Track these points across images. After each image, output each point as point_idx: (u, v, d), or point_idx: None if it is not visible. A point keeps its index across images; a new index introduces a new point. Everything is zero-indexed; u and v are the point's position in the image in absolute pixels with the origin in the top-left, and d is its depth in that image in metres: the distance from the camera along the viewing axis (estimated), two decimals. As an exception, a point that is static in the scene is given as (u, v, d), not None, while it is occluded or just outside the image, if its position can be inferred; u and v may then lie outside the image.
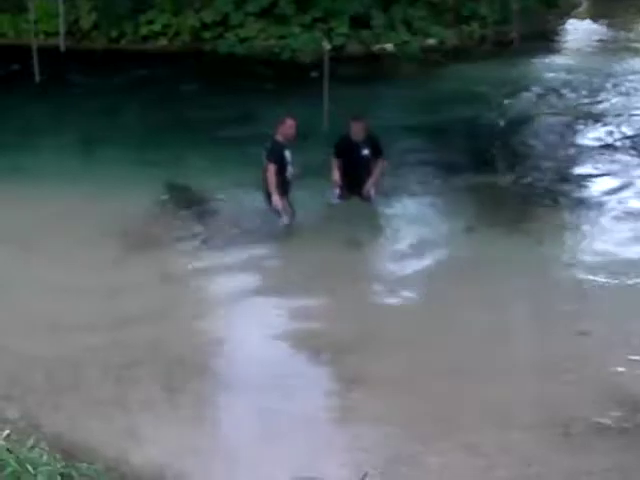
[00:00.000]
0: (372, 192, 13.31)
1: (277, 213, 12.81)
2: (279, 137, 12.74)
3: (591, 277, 11.30)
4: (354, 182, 13.14)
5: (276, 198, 12.58)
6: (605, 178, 15.20)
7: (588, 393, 8.66)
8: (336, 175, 13.02)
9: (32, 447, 7.25)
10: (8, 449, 7.06)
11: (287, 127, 12.69)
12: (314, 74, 20.82)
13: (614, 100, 20.69)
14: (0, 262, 11.61)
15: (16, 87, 21.56)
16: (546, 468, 7.60)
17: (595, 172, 15.56)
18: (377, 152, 13.14)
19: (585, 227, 13.21)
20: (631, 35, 29.20)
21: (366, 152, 13.03)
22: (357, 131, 12.97)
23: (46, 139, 17.21)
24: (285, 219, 12.80)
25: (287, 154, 12.73)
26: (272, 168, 12.59)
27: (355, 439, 8.14)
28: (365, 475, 7.35)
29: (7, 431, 7.47)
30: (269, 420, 8.38)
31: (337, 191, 13.31)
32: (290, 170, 12.84)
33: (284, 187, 12.86)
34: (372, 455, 7.86)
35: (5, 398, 8.56)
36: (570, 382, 8.84)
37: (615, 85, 21.96)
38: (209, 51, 26.04)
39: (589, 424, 8.12)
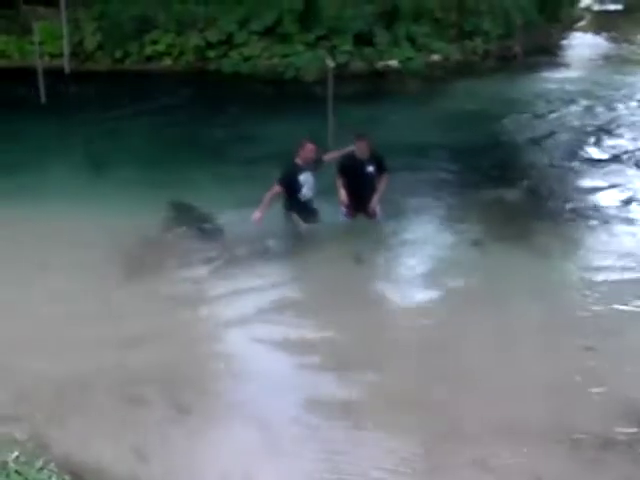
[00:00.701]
0: (378, 209, 13.30)
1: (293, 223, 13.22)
2: (298, 160, 12.89)
3: (598, 291, 11.27)
4: (360, 200, 13.12)
5: (256, 213, 12.71)
6: (613, 191, 15.18)
7: (596, 407, 8.65)
8: (343, 194, 13.00)
9: (41, 468, 7.28)
10: (17, 471, 7.09)
11: (307, 151, 12.84)
12: (319, 92, 20.87)
13: (619, 113, 20.75)
14: (6, 283, 11.61)
15: (22, 108, 21.61)
16: (556, 483, 7.62)
17: (602, 185, 15.53)
18: (381, 169, 13.14)
19: (593, 241, 13.22)
20: (633, 47, 29.29)
21: (371, 170, 13.01)
22: (361, 149, 12.94)
23: (52, 160, 17.23)
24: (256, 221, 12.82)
25: (302, 178, 12.88)
26: (274, 188, 12.82)
27: (364, 457, 8.12)
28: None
29: (16, 453, 7.48)
30: (277, 437, 8.38)
31: (343, 209, 13.30)
32: (304, 192, 13.00)
33: (299, 208, 13.11)
34: (381, 474, 7.85)
35: (14, 419, 8.54)
36: (578, 396, 8.83)
37: (619, 98, 22.05)
38: (213, 70, 26.19)
39: (598, 438, 8.11)
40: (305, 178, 12.91)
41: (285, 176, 12.89)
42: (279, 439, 8.37)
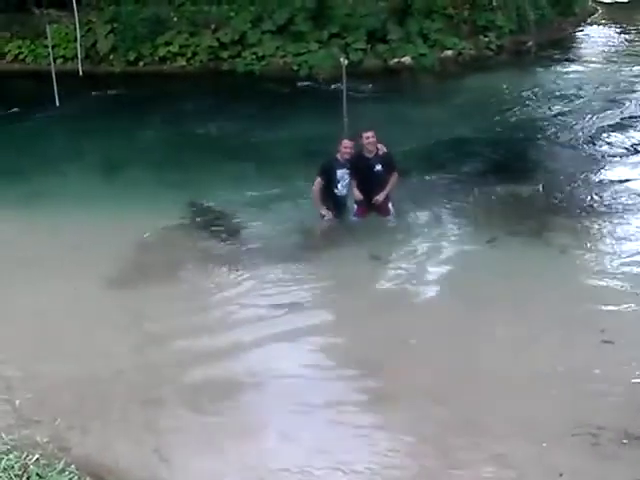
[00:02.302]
0: (390, 206, 13.30)
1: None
2: (338, 156, 13.18)
3: (614, 285, 11.21)
4: (371, 198, 13.14)
5: (322, 212, 13.35)
6: (629, 184, 15.08)
7: (615, 402, 8.61)
8: (356, 192, 13.06)
9: (62, 470, 7.28)
10: (37, 474, 7.10)
11: (342, 147, 13.14)
12: (333, 90, 20.90)
13: (634, 106, 20.60)
14: (24, 288, 11.65)
15: (37, 112, 21.70)
16: (577, 478, 7.57)
17: (618, 178, 15.42)
18: (391, 168, 13.14)
19: (608, 235, 13.10)
20: (647, 40, 29.13)
21: (379, 168, 13.05)
22: (367, 143, 12.97)
23: (66, 163, 17.31)
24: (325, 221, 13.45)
25: (340, 174, 13.18)
26: (316, 181, 13.23)
27: (382, 455, 8.11)
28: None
29: (37, 455, 7.49)
30: (296, 438, 8.38)
31: (355, 208, 13.33)
32: (340, 189, 13.25)
33: (333, 202, 13.41)
34: (400, 471, 7.86)
35: (35, 422, 8.57)
36: (597, 391, 8.80)
37: (634, 91, 21.90)
38: (227, 70, 26.19)
39: (617, 433, 8.07)
40: (342, 175, 13.17)
41: (324, 168, 13.25)
42: (299, 440, 8.38)
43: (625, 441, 7.95)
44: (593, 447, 7.96)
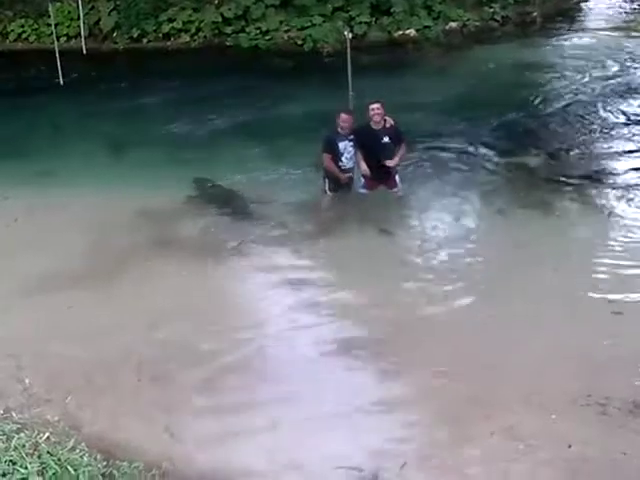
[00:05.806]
0: (398, 179, 13.26)
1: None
2: (338, 129, 13.05)
3: (623, 255, 11.18)
4: (379, 171, 13.07)
5: (342, 178, 13.23)
6: (634, 155, 15.04)
7: (625, 373, 8.58)
8: (363, 166, 12.97)
9: (72, 448, 7.31)
10: (49, 451, 7.12)
11: (340, 120, 12.99)
12: (337, 63, 20.85)
13: (639, 77, 20.51)
14: (31, 269, 11.65)
15: (41, 91, 21.72)
16: (586, 449, 7.57)
17: (626, 150, 15.36)
18: (399, 140, 13.08)
19: (618, 207, 13.04)
20: (654, 11, 29.00)
21: (387, 140, 12.95)
22: (374, 114, 12.87)
23: (73, 141, 17.34)
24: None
25: (342, 146, 13.04)
26: (325, 157, 13.12)
27: (393, 427, 8.13)
28: (404, 465, 7.40)
29: (47, 434, 7.53)
30: (307, 412, 8.40)
31: (362, 181, 13.28)
32: (344, 162, 13.12)
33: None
34: (411, 443, 7.87)
35: (45, 401, 8.60)
36: (606, 362, 8.78)
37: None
38: (231, 46, 26.17)
39: (626, 403, 8.07)
40: (344, 147, 13.05)
41: (326, 143, 13.12)
42: (310, 413, 8.39)
43: (633, 410, 7.97)
44: (601, 417, 7.97)
